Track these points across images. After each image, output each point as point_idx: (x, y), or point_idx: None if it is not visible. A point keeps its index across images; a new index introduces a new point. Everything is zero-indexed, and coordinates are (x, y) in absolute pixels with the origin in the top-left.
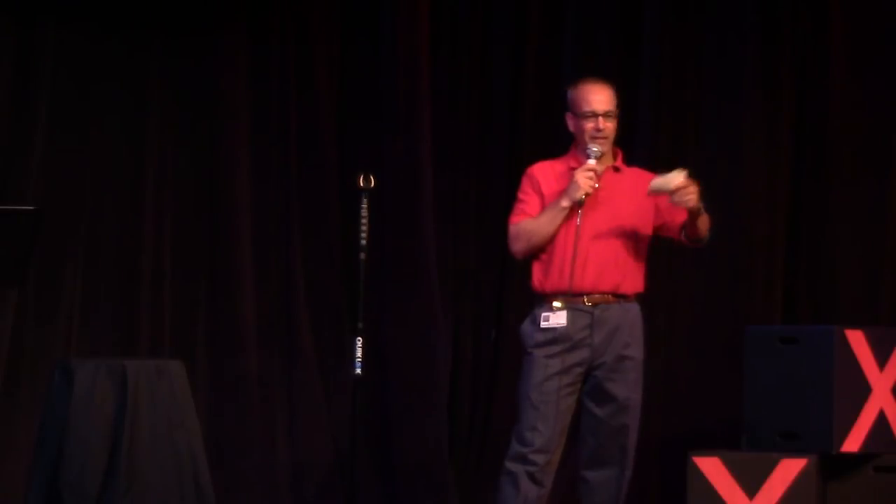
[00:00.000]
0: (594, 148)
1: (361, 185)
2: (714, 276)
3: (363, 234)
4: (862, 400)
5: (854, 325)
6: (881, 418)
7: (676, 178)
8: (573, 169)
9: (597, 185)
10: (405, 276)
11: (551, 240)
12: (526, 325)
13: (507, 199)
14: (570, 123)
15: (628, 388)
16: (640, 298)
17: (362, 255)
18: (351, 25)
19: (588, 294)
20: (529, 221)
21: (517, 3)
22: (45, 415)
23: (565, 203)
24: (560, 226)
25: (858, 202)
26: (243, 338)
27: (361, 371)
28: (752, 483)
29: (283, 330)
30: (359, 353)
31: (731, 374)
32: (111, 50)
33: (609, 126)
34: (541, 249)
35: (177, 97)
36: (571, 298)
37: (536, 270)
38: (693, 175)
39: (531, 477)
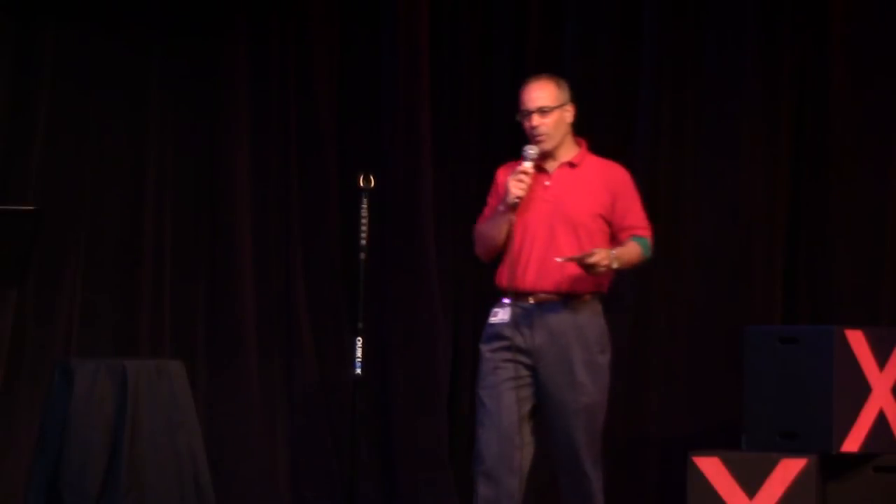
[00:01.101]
0: (529, 151)
1: (361, 185)
2: (714, 276)
3: (363, 234)
4: (862, 400)
5: (854, 325)
6: (881, 418)
7: (591, 257)
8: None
9: (522, 192)
10: (405, 276)
11: (505, 241)
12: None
13: None
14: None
15: (574, 389)
16: (603, 298)
17: (362, 255)
18: (351, 25)
19: (532, 293)
20: (481, 226)
21: (517, 3)
22: (45, 415)
23: (501, 207)
24: (504, 229)
25: (858, 202)
26: (243, 338)
27: (361, 371)
28: (752, 483)
29: (283, 330)
30: (359, 353)
31: (731, 374)
32: (111, 50)
33: (546, 122)
34: (499, 250)
35: (177, 97)
36: (519, 297)
37: (499, 268)
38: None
39: (485, 475)
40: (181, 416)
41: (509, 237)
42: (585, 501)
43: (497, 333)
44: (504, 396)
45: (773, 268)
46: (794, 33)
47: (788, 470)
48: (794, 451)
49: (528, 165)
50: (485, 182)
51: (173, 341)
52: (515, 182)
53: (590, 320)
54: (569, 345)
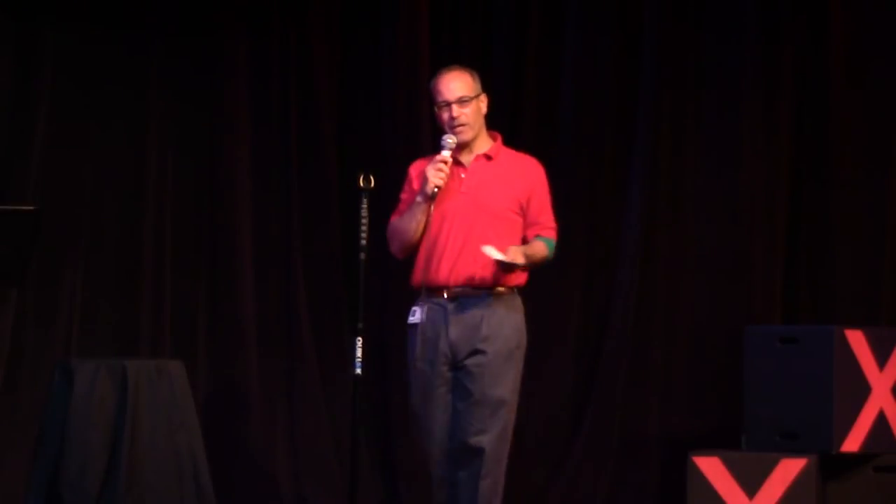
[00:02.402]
0: (448, 140)
1: (361, 185)
2: (714, 277)
3: (363, 234)
4: (862, 400)
5: (854, 325)
6: (881, 418)
7: (506, 255)
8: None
9: (441, 181)
10: (405, 275)
11: (421, 235)
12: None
13: None
14: (436, 117)
15: (486, 384)
16: (521, 292)
17: (362, 255)
18: (351, 25)
19: (447, 288)
20: (397, 220)
21: (517, 3)
22: (45, 415)
23: (419, 199)
24: (422, 221)
25: (858, 203)
26: (243, 338)
27: (361, 371)
28: (752, 483)
29: (283, 330)
30: (359, 353)
31: (731, 374)
32: (111, 50)
33: (465, 113)
34: (415, 245)
35: (177, 97)
36: (434, 292)
37: (412, 268)
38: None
39: (440, 482)
40: (181, 416)
41: (425, 230)
42: (482, 497)
43: (416, 335)
44: (439, 399)
45: (773, 268)
46: (794, 33)
47: (788, 470)
48: (794, 451)
49: (446, 154)
50: None
51: (173, 341)
52: (435, 171)
53: (506, 314)
54: (486, 338)
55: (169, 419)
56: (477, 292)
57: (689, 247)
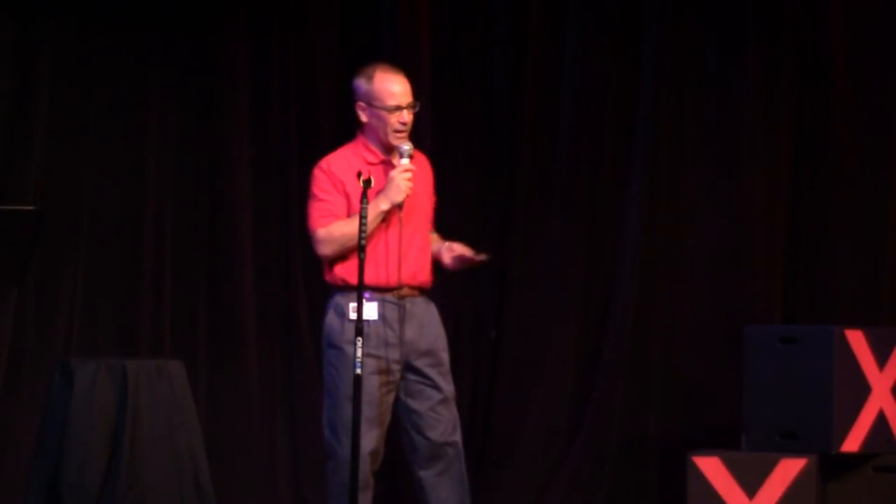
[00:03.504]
0: (406, 147)
1: (361, 185)
2: (714, 277)
3: (363, 234)
4: (862, 400)
5: (854, 325)
6: (881, 418)
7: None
8: (373, 164)
9: (409, 190)
10: None
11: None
12: (332, 319)
13: (507, 199)
14: (365, 114)
15: (444, 378)
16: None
17: (362, 256)
18: (351, 24)
19: (398, 288)
20: (342, 225)
21: (517, 3)
22: (45, 415)
23: (385, 206)
24: (377, 226)
25: (858, 202)
26: (243, 337)
27: (361, 371)
28: (751, 483)
29: (283, 330)
30: (359, 353)
31: (731, 374)
32: (111, 50)
33: (411, 118)
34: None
35: (177, 97)
36: (384, 291)
37: (341, 268)
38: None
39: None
40: (181, 416)
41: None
42: (462, 490)
43: (368, 333)
44: (382, 402)
45: (773, 268)
46: (794, 34)
47: (788, 470)
48: (794, 451)
49: (407, 162)
50: (485, 182)
51: (173, 341)
52: (406, 180)
53: (437, 314)
54: (437, 337)
55: (169, 419)
56: (418, 293)
57: (689, 247)
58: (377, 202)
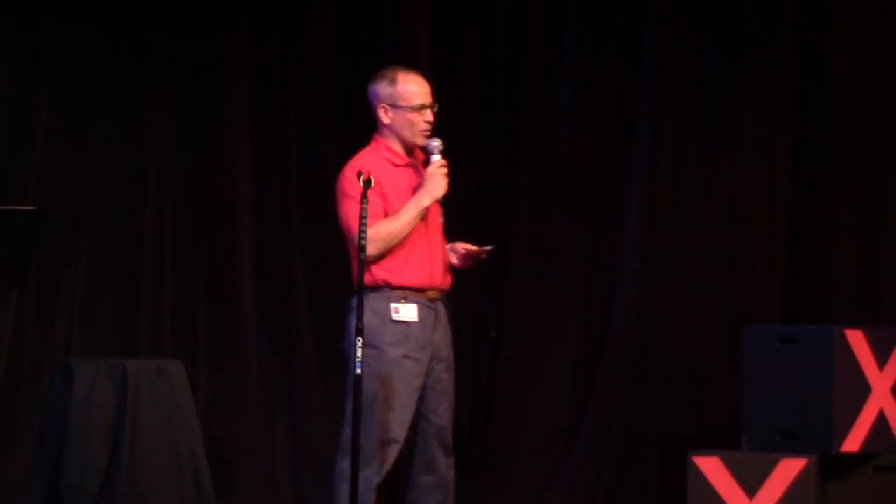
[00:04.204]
0: (435, 143)
1: (361, 185)
2: (714, 277)
3: (363, 234)
4: (862, 400)
5: (854, 325)
6: (881, 418)
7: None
8: (398, 166)
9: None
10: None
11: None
12: (370, 320)
13: (507, 199)
14: (388, 117)
15: (451, 376)
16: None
17: (362, 256)
18: (351, 25)
19: (432, 289)
20: (387, 223)
21: (517, 3)
22: (45, 415)
23: (427, 202)
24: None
25: (858, 202)
26: (243, 337)
27: (361, 371)
28: (752, 483)
29: (283, 330)
30: (359, 353)
31: (731, 374)
32: (111, 50)
33: (433, 118)
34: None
35: (177, 97)
36: (417, 294)
37: (380, 267)
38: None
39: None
40: (181, 416)
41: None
42: (447, 494)
43: (406, 335)
44: (411, 412)
45: (773, 268)
46: (794, 34)
47: (788, 470)
48: (794, 451)
49: (439, 158)
50: (485, 182)
51: (173, 341)
52: (443, 176)
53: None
54: (450, 340)
55: (169, 419)
56: (441, 295)
57: (689, 247)
58: (418, 198)
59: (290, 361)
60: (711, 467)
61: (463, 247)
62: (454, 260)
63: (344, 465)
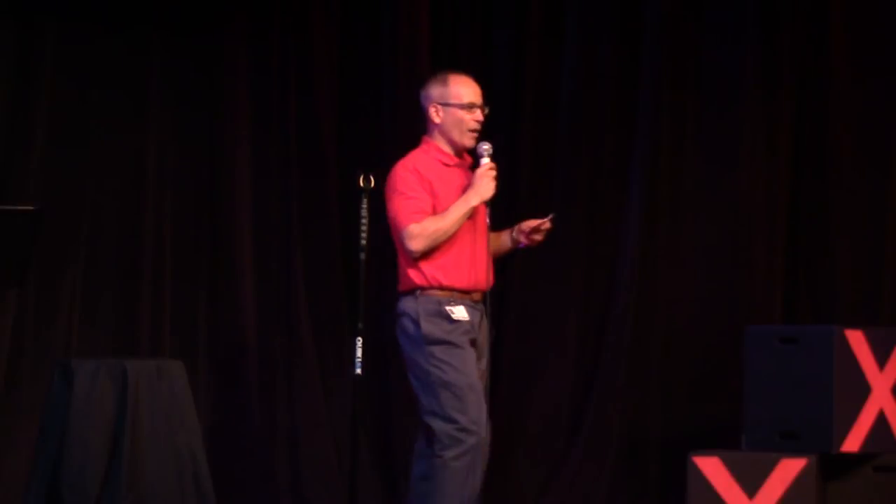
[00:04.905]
0: (485, 146)
1: (361, 185)
2: (714, 277)
3: (363, 234)
4: (862, 400)
5: (854, 325)
6: (881, 418)
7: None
8: (449, 166)
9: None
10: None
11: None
12: (427, 320)
13: (507, 199)
14: (438, 115)
15: (487, 387)
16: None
17: (362, 255)
18: (351, 25)
19: (476, 291)
20: (435, 220)
21: (517, 3)
22: (45, 415)
23: (476, 202)
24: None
25: (858, 202)
26: (243, 338)
27: (361, 371)
28: (752, 483)
29: (284, 330)
30: (359, 353)
31: (731, 374)
32: (111, 50)
33: (482, 120)
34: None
35: (177, 96)
36: (463, 295)
37: (429, 266)
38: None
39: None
40: (181, 416)
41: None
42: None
43: (465, 331)
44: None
45: (773, 268)
46: (794, 34)
47: (788, 470)
48: (794, 451)
49: (489, 161)
50: None
51: (173, 341)
52: (492, 178)
53: None
54: (487, 337)
55: (169, 419)
56: (483, 295)
57: (689, 246)
58: (467, 198)
59: (290, 361)
60: (711, 467)
61: (528, 225)
62: (522, 239)
63: (450, 460)
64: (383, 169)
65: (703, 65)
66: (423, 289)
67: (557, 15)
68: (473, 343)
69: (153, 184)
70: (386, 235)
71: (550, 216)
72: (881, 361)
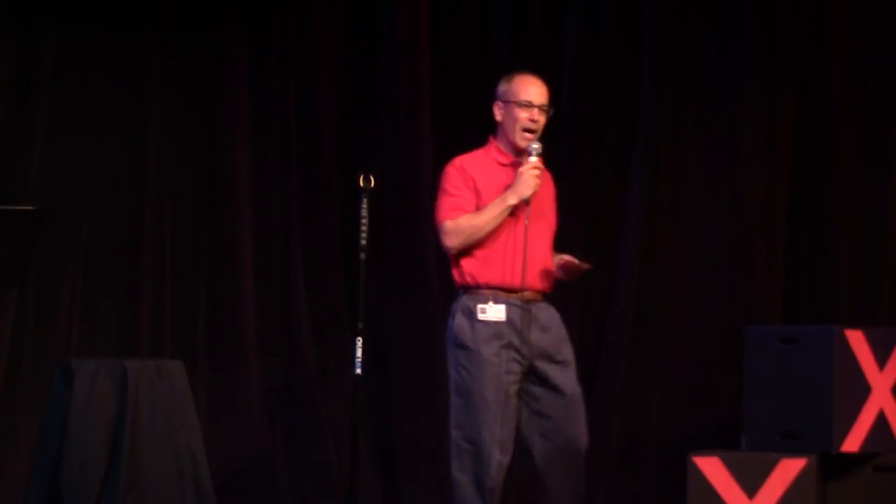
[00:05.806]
0: (535, 145)
1: (361, 185)
2: (714, 277)
3: (363, 234)
4: (862, 400)
5: (854, 325)
6: (881, 418)
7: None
8: (503, 165)
9: (536, 187)
10: (405, 276)
11: (489, 235)
12: (460, 320)
13: None
14: (500, 113)
15: (571, 382)
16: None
17: (362, 255)
18: (351, 25)
19: (523, 290)
20: (470, 217)
21: (517, 4)
22: (45, 415)
23: (513, 201)
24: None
25: (858, 202)
26: (243, 338)
27: (361, 371)
28: (752, 483)
29: (283, 330)
30: (359, 353)
31: (731, 374)
32: (111, 50)
33: (542, 120)
34: (475, 245)
35: (177, 97)
36: (508, 294)
37: (468, 264)
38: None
39: (488, 491)
40: (181, 416)
41: (492, 231)
42: (579, 494)
43: (496, 333)
44: (509, 406)
45: (773, 268)
46: (794, 34)
47: (788, 470)
48: (794, 451)
49: (535, 160)
50: None
51: (173, 341)
52: (535, 177)
53: (559, 317)
54: (564, 341)
55: (169, 419)
56: (541, 297)
57: (689, 246)
58: (504, 196)
59: (290, 362)
60: (711, 467)
61: (566, 258)
62: (558, 272)
63: (455, 471)
64: (383, 169)
65: (703, 65)
66: (465, 287)
67: (557, 15)
68: (511, 346)
69: (153, 184)
70: (386, 235)
71: (587, 266)
72: (881, 361)
